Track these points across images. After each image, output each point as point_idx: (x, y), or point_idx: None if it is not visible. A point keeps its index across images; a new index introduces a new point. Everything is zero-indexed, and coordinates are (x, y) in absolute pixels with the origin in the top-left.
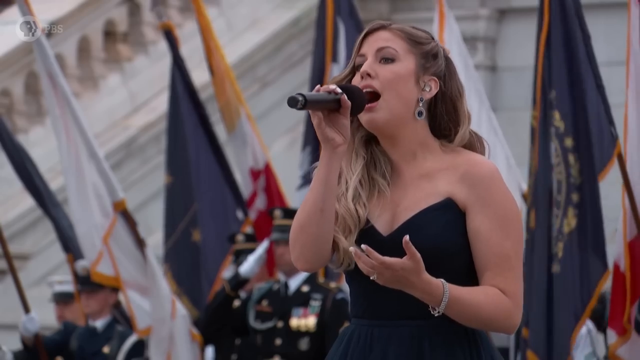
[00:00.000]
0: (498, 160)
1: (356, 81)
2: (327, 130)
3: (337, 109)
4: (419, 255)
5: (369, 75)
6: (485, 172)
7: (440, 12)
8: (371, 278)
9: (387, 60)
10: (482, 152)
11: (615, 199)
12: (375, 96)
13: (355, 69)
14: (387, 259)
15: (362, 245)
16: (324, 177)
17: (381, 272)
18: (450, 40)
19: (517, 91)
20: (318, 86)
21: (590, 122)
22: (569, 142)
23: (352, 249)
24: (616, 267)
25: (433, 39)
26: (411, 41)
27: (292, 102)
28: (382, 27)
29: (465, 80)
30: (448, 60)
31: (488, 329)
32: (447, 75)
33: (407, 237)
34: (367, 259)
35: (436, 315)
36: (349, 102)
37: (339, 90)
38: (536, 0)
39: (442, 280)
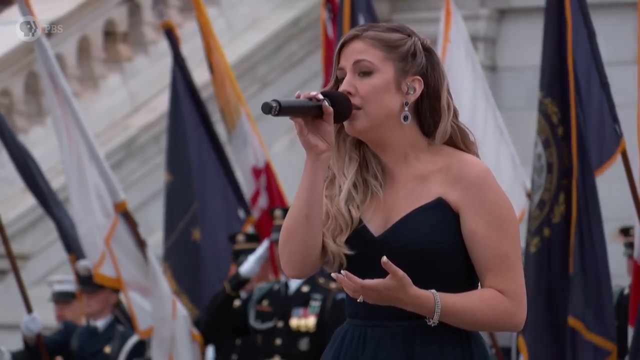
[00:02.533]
0: (503, 159)
1: None
2: (310, 137)
3: (320, 116)
4: (401, 272)
5: (349, 93)
6: (478, 173)
7: (446, 10)
8: (358, 300)
9: (365, 73)
10: (469, 148)
11: (617, 198)
12: (358, 107)
13: (338, 80)
14: (367, 282)
15: (342, 271)
16: (308, 184)
17: (366, 295)
18: (457, 39)
19: (517, 91)
20: (298, 92)
21: (590, 117)
22: (560, 131)
23: (334, 274)
24: (636, 264)
25: (410, 35)
26: (386, 47)
27: (266, 109)
28: (355, 37)
29: (472, 79)
30: (429, 51)
31: (491, 331)
32: (430, 68)
33: (385, 258)
34: (349, 283)
35: (431, 325)
36: (331, 109)
37: (321, 97)
38: (536, 0)
39: (433, 291)
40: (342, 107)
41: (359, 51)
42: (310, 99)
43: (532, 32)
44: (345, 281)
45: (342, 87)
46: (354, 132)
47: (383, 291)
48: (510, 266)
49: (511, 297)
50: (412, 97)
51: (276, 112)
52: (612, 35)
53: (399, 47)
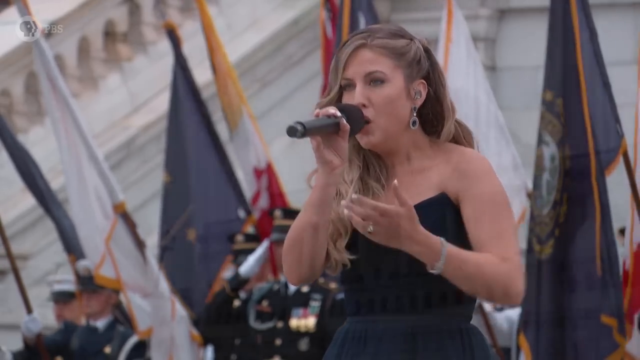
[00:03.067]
0: (504, 159)
1: (345, 100)
2: (326, 152)
3: (336, 132)
4: (410, 203)
5: (364, 105)
6: (477, 164)
7: (448, 10)
8: (368, 230)
9: (377, 82)
10: (470, 144)
11: (617, 198)
12: (369, 119)
13: (341, 88)
14: (380, 204)
15: (353, 195)
16: (319, 198)
17: (377, 221)
18: (459, 39)
19: (517, 91)
20: (317, 110)
21: (593, 118)
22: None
23: (343, 202)
24: (623, 264)
25: (412, 39)
26: (395, 55)
27: (291, 132)
28: (362, 46)
29: (474, 79)
30: (428, 53)
31: (491, 295)
32: (431, 70)
33: (396, 182)
34: (360, 209)
35: (435, 272)
36: (348, 126)
37: (339, 114)
38: (536, 0)
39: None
40: (356, 121)
41: (369, 61)
42: (329, 116)
43: (532, 32)
44: (356, 207)
45: (356, 100)
46: (370, 146)
47: (394, 217)
48: (506, 241)
49: (509, 262)
50: (419, 102)
51: (301, 135)
52: (612, 35)
53: (406, 54)
